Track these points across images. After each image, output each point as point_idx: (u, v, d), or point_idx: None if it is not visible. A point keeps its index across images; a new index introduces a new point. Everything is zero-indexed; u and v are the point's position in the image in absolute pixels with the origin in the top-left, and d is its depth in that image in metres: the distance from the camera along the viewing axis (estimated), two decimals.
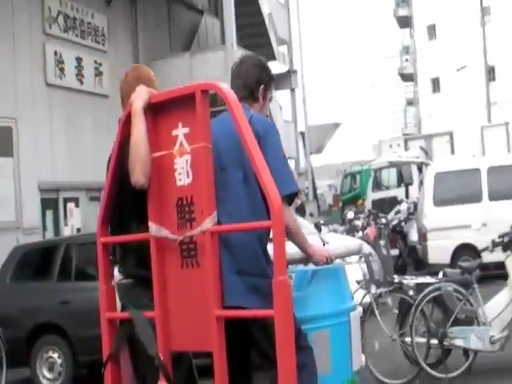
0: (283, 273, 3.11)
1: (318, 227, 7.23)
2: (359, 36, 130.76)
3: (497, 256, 8.30)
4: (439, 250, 13.84)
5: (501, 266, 7.97)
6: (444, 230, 13.82)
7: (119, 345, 3.66)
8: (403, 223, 17.28)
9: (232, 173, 3.77)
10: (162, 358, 3.46)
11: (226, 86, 3.40)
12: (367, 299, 7.48)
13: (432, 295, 7.32)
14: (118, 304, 3.74)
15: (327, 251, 4.12)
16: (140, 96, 3.58)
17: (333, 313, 4.25)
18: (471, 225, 11.83)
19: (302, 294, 4.16)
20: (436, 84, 51.43)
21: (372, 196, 24.27)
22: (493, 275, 10.27)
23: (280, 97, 31.70)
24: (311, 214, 27.18)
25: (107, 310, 3.69)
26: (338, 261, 5.38)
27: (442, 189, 14.27)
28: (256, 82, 4.12)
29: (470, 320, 7.33)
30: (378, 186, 25.06)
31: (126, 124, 3.62)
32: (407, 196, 21.48)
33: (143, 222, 3.55)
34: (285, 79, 32.05)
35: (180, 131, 3.46)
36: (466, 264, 7.84)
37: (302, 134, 36.82)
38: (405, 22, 57.73)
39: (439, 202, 14.21)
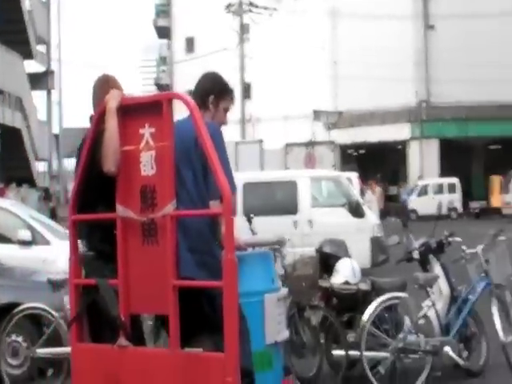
0: (232, 252, 4.08)
1: (249, 219, 8.02)
2: (117, 43, 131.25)
3: None
4: None
5: None
6: None
7: (84, 306, 4.53)
8: None
9: (184, 171, 4.71)
10: (123, 319, 4.37)
11: (188, 97, 4.41)
12: None
13: None
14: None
15: (240, 240, 5.19)
16: (114, 97, 4.50)
17: (246, 292, 5.08)
18: None
19: None
20: None
21: None
22: None
23: (36, 97, 31.79)
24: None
25: (75, 277, 4.56)
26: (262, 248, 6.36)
27: None
28: (206, 93, 5.09)
29: None
30: None
31: (100, 120, 4.52)
32: None
33: (108, 204, 4.45)
34: (41, 79, 32.12)
35: (147, 130, 4.39)
36: None
37: (56, 136, 37.00)
38: (164, 33, 59.59)
39: None
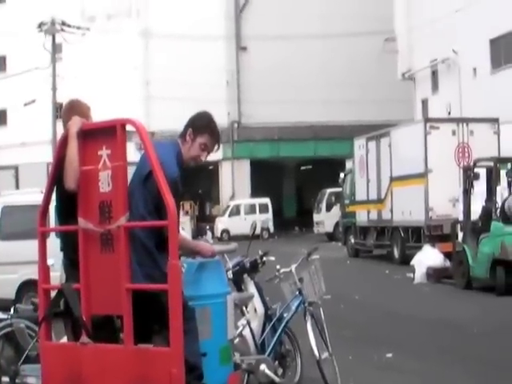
0: (175, 258, 4.84)
1: (204, 231, 8.38)
2: None
3: None
4: (4, 285, 14.40)
5: None
6: (10, 264, 14.47)
7: (53, 309, 5.17)
8: None
9: (137, 194, 5.35)
10: (84, 319, 5.04)
11: (139, 123, 5.14)
12: None
13: (3, 331, 7.60)
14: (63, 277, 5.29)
15: (212, 248, 5.93)
16: (75, 124, 5.22)
17: (213, 294, 5.92)
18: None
19: (190, 278, 5.76)
20: (2, 117, 52.96)
21: None
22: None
23: None
24: None
25: (43, 282, 5.21)
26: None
27: (9, 222, 15.11)
28: (187, 125, 5.75)
29: None
30: None
31: (63, 144, 5.21)
32: None
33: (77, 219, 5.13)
34: None
35: (104, 152, 5.11)
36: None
37: None
38: None
39: (6, 235, 14.98)
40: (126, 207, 5.05)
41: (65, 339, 7.84)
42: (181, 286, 4.87)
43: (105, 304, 5.11)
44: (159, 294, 5.01)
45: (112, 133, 5.06)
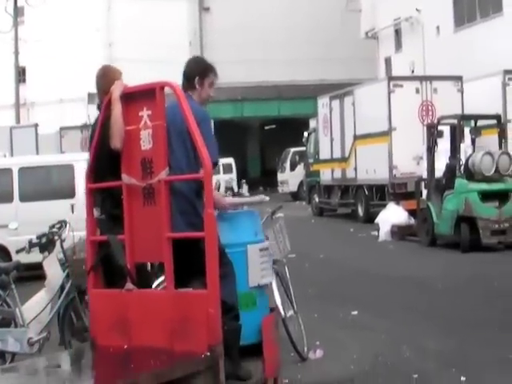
0: (211, 207, 5.25)
1: (238, 185, 8.41)
2: None
3: (33, 257, 8.36)
4: None
5: (36, 266, 8.58)
6: None
7: (99, 259, 5.61)
8: None
9: (177, 147, 5.78)
10: (129, 267, 5.48)
11: (177, 85, 5.55)
12: None
13: None
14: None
15: (224, 200, 6.32)
16: (118, 88, 5.60)
17: (233, 243, 6.29)
18: (8, 225, 11.88)
19: None
20: None
21: None
22: (29, 276, 9.89)
23: None
24: None
25: (91, 234, 5.62)
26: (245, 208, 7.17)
27: None
28: (191, 75, 6.15)
29: (8, 322, 7.58)
30: None
31: (107, 107, 5.61)
32: None
33: (116, 176, 5.54)
34: None
35: (145, 113, 5.49)
36: (3, 265, 8.00)
37: None
38: None
39: None
40: (166, 162, 5.43)
41: (37, 296, 7.96)
42: (216, 233, 5.26)
43: (147, 253, 5.53)
44: (199, 240, 5.39)
45: (151, 95, 5.43)
